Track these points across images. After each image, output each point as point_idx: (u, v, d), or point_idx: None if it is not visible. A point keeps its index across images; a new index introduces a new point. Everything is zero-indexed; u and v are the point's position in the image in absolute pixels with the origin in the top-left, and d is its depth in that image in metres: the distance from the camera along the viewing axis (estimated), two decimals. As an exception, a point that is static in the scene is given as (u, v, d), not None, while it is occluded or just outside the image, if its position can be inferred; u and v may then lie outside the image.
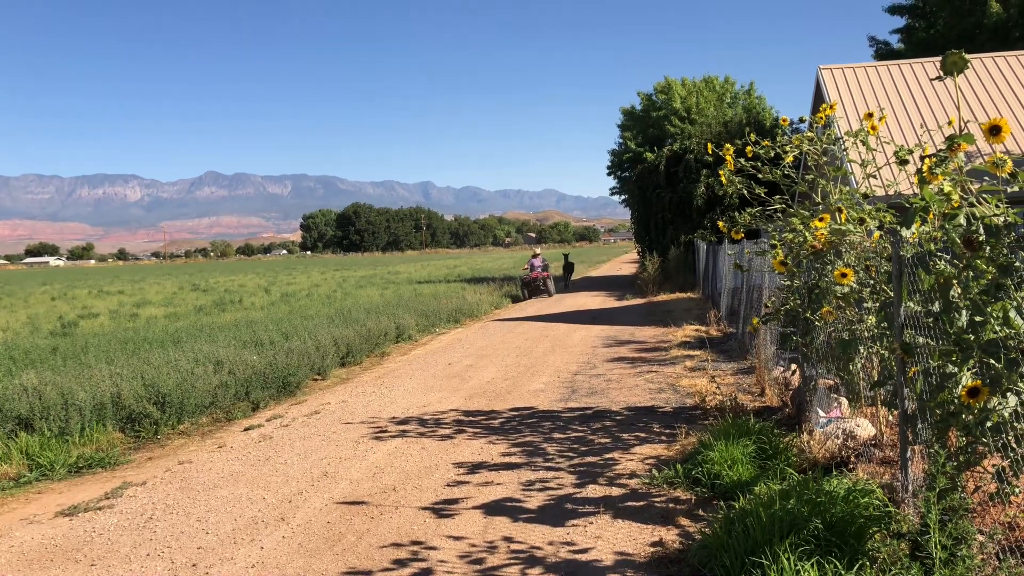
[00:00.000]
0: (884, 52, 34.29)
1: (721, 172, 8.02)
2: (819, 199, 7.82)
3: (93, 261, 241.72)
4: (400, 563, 5.11)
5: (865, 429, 7.07)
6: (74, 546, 5.72)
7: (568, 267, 37.05)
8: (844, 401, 7.95)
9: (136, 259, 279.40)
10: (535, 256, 30.67)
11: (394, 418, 9.71)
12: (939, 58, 4.94)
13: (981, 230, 3.89)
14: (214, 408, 10.59)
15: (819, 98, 19.86)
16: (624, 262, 67.43)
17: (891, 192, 7.66)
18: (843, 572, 3.79)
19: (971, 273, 4.11)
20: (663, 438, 8.04)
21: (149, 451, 8.83)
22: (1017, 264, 3.77)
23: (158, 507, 6.56)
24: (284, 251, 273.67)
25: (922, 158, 5.02)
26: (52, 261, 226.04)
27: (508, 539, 5.43)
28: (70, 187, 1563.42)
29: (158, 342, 14.90)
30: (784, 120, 8.12)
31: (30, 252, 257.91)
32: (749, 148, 7.96)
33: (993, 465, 3.95)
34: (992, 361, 3.80)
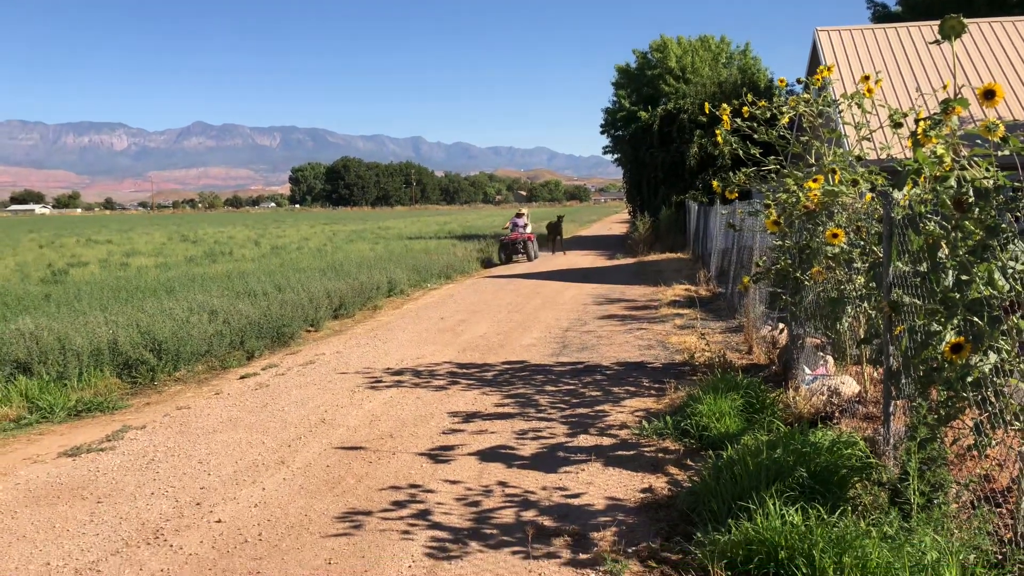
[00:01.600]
0: (882, 15, 34.11)
1: (717, 132, 8.09)
2: (813, 161, 7.93)
3: (79, 210, 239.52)
4: (399, 504, 5.29)
5: (850, 386, 7.27)
6: (79, 484, 5.87)
7: (555, 227, 31.53)
8: (830, 359, 8.15)
9: (123, 209, 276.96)
10: (519, 215, 28.07)
11: (389, 369, 9.86)
12: (937, 22, 5.01)
13: (971, 192, 4.01)
14: (209, 356, 10.70)
15: (815, 60, 19.82)
16: (615, 222, 67.49)
17: (883, 156, 7.77)
18: (825, 516, 3.97)
19: (959, 234, 4.24)
20: (652, 392, 8.23)
21: (146, 397, 8.96)
22: (1003, 226, 3.90)
23: (159, 449, 6.71)
24: (273, 204, 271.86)
25: (916, 121, 5.13)
26: (38, 209, 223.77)
27: (503, 484, 5.62)
28: (55, 134, 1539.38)
29: (151, 291, 14.95)
30: (782, 81, 8.17)
31: (15, 199, 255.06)
32: (745, 108, 8.03)
33: (971, 419, 4.12)
34: (975, 319, 3.95)
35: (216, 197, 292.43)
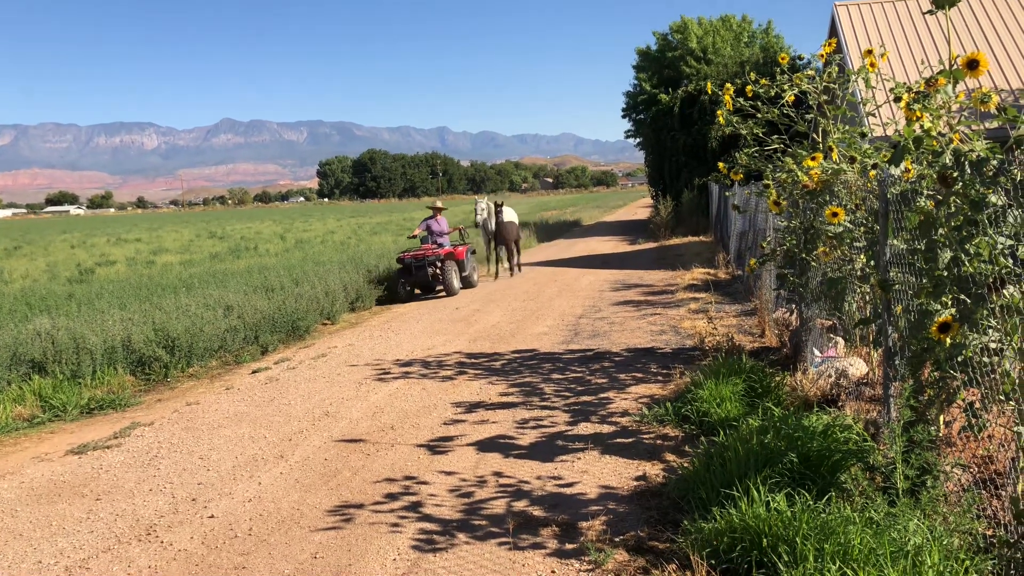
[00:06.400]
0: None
1: (719, 113, 7.96)
2: (819, 139, 7.78)
3: (112, 210, 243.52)
4: (391, 496, 5.28)
5: (858, 368, 7.13)
6: (81, 482, 5.94)
7: (499, 228, 18.52)
8: (840, 341, 8.01)
9: (155, 207, 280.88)
10: (435, 211, 17.22)
11: (398, 360, 9.87)
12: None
13: (956, 166, 3.87)
14: (224, 352, 10.80)
15: (834, 36, 19.43)
16: (640, 206, 67.01)
17: (889, 132, 7.59)
18: (812, 503, 3.88)
19: (949, 209, 4.11)
20: (659, 378, 8.14)
21: (159, 393, 9.07)
22: (991, 199, 3.76)
23: (163, 446, 6.77)
24: (302, 198, 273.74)
25: (914, 94, 4.98)
26: (72, 210, 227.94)
27: (498, 474, 5.59)
28: (87, 136, 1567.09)
29: (171, 288, 15.11)
30: (783, 58, 8.00)
31: (50, 201, 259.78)
32: (749, 88, 7.89)
33: (963, 400, 4.00)
34: (963, 296, 3.83)
35: (246, 193, 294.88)
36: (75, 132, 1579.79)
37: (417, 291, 16.35)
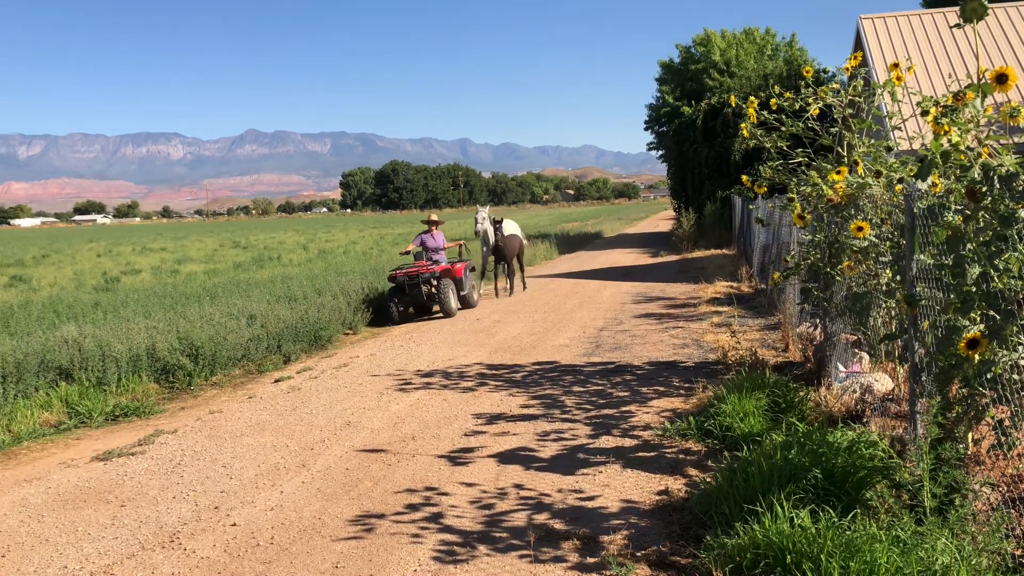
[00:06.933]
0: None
1: (743, 125, 7.94)
2: (844, 152, 7.73)
3: (138, 219, 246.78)
4: (412, 507, 5.28)
5: (883, 383, 7.05)
6: (106, 488, 6.00)
7: (497, 247, 17.31)
8: (865, 356, 7.93)
9: (180, 217, 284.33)
10: (431, 225, 15.61)
11: (419, 371, 9.90)
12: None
13: (985, 181, 3.84)
14: (246, 360, 10.87)
15: (859, 49, 19.33)
16: (662, 219, 66.85)
17: (916, 146, 7.54)
18: (836, 520, 3.84)
19: (978, 224, 4.07)
20: (681, 392, 8.10)
21: (183, 401, 9.14)
22: (1021, 214, 3.72)
23: (187, 453, 6.83)
24: (324, 209, 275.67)
25: (941, 108, 4.94)
26: (99, 219, 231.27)
27: (519, 486, 5.58)
28: (115, 146, 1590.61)
29: (195, 297, 15.25)
30: (807, 72, 7.97)
31: (78, 210, 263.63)
32: (773, 101, 7.87)
33: (992, 417, 3.95)
34: (992, 312, 3.79)
35: (269, 203, 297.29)
36: (103, 142, 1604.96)
37: (411, 310, 14.99)
